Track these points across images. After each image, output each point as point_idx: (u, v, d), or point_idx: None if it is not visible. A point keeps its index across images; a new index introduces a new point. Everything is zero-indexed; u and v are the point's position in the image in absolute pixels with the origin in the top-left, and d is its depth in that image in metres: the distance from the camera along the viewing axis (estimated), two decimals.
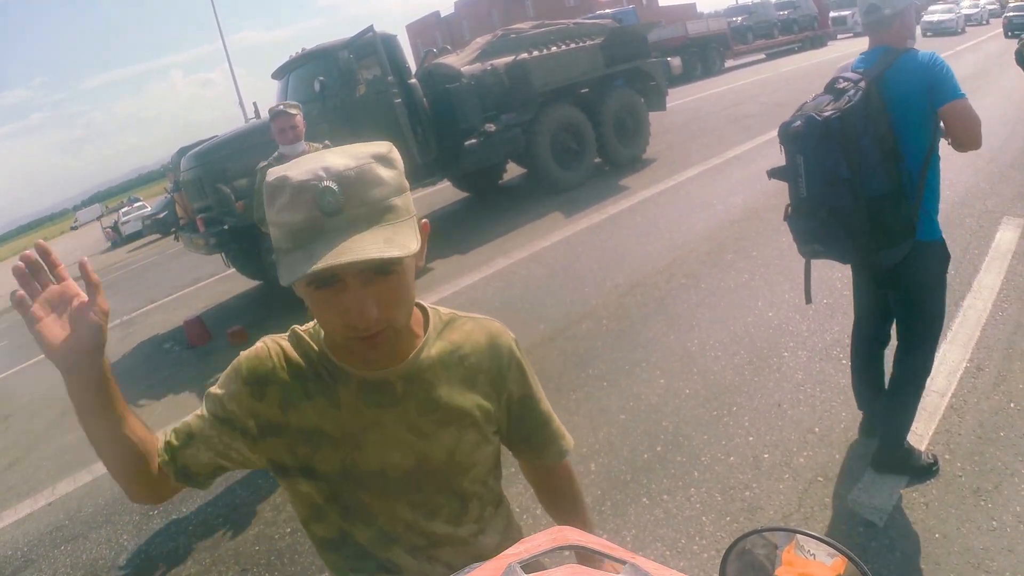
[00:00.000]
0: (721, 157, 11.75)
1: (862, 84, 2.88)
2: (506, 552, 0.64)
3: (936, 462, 3.43)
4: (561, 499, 1.62)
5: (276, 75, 10.75)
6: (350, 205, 1.04)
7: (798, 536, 0.86)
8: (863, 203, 2.87)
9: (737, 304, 5.88)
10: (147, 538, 4.47)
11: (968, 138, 2.89)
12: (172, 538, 4.41)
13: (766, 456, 3.81)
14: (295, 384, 1.28)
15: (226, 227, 8.62)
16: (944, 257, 3.14)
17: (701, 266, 6.97)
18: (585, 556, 0.70)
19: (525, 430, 1.46)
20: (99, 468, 5.66)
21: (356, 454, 1.28)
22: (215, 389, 1.33)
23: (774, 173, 3.22)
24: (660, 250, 7.73)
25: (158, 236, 27.64)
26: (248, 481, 4.77)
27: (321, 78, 9.43)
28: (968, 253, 5.85)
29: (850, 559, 0.80)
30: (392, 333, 1.18)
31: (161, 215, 27.50)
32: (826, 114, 2.86)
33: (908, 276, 3.11)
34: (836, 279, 5.65)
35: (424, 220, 1.19)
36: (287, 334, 1.35)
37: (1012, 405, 3.77)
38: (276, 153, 5.01)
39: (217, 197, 8.64)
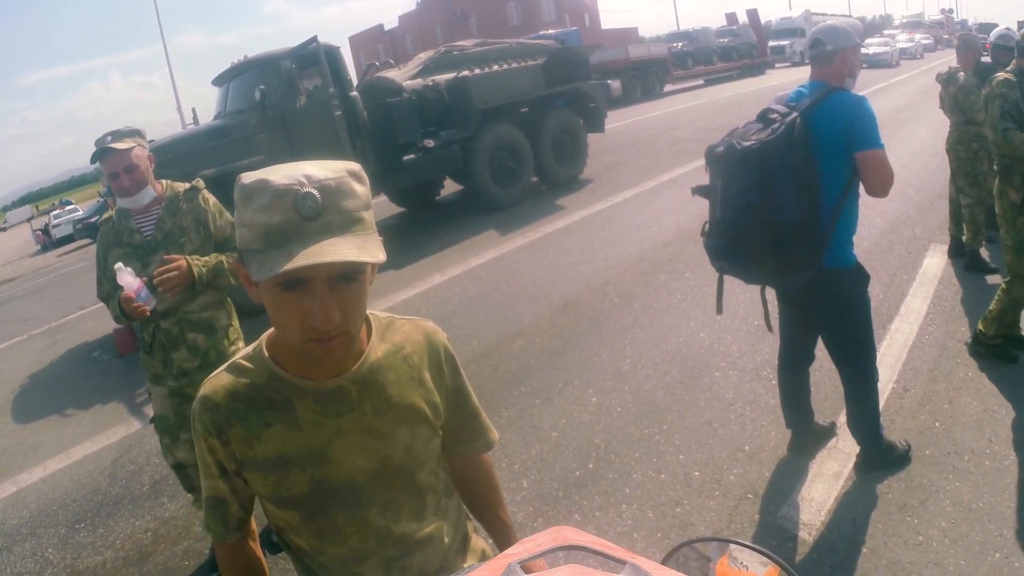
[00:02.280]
0: (657, 180, 11.89)
1: (790, 118, 2.99)
2: (506, 552, 0.64)
3: (910, 446, 3.62)
4: (485, 490, 1.68)
5: (216, 81, 10.50)
6: (327, 212, 1.11)
7: (732, 547, 0.84)
8: (770, 229, 2.98)
9: (669, 324, 5.90)
10: (73, 552, 4.24)
11: (877, 187, 3.02)
12: (99, 552, 4.18)
13: (696, 474, 3.80)
14: (252, 417, 1.31)
15: None
16: (859, 279, 3.25)
17: (634, 286, 7.00)
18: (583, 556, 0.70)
19: (458, 421, 1.53)
20: (23, 479, 5.43)
21: (326, 468, 1.33)
22: (199, 453, 1.38)
23: (698, 190, 3.36)
24: (594, 270, 7.74)
25: (89, 241, 26.80)
26: (176, 494, 4.57)
27: (262, 87, 9.20)
28: (896, 278, 5.99)
29: (783, 568, 0.78)
30: (347, 339, 1.23)
31: (93, 219, 26.67)
32: (746, 144, 2.98)
33: (822, 300, 3.27)
34: (769, 301, 5.73)
35: (379, 237, 1.23)
36: (225, 368, 1.37)
37: (937, 424, 3.83)
38: (115, 208, 3.46)
39: None
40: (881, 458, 3.53)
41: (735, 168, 3.02)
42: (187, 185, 3.49)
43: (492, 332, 6.42)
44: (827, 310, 3.29)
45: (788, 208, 2.95)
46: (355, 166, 1.19)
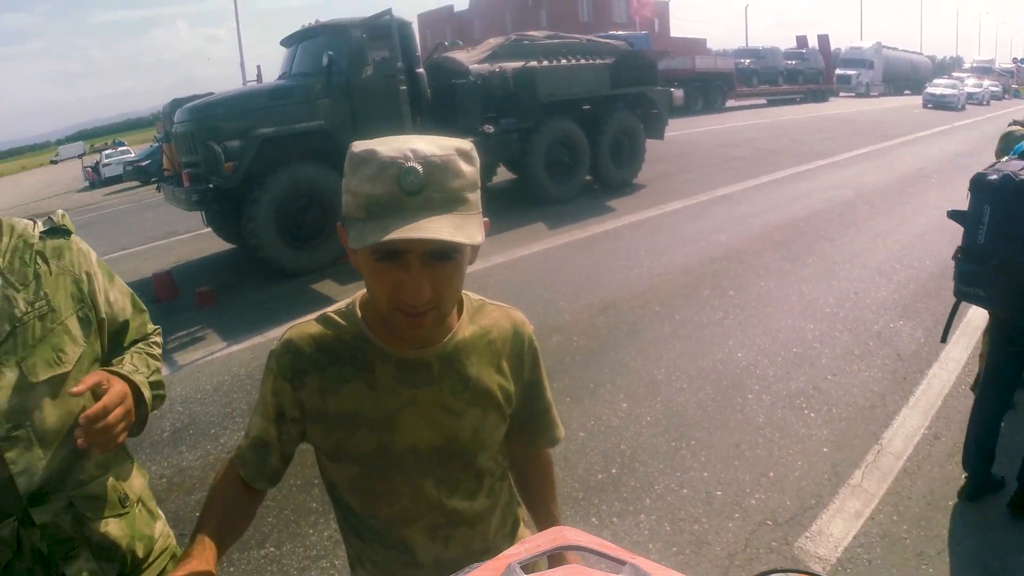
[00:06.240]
0: (709, 194, 11.86)
1: None
2: (506, 552, 0.65)
3: None
4: (540, 482, 1.70)
5: (285, 42, 10.60)
6: (429, 188, 1.11)
7: None
8: None
9: (708, 340, 5.91)
10: None
11: None
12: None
13: (719, 493, 3.83)
14: (332, 370, 1.35)
15: (211, 186, 8.53)
16: None
17: (677, 298, 7.01)
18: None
19: (527, 414, 1.55)
20: None
21: (392, 434, 1.35)
22: (263, 392, 1.41)
23: (954, 215, 3.46)
24: (638, 276, 7.76)
25: (137, 184, 27.10)
26: (196, 444, 4.70)
27: (330, 53, 9.27)
28: (940, 324, 5.90)
29: None
30: (438, 316, 1.24)
31: (144, 163, 27.01)
32: (1023, 177, 3.05)
33: None
34: (807, 329, 5.72)
35: (486, 219, 1.25)
36: (315, 318, 1.40)
37: (963, 476, 3.82)
38: None
39: (206, 154, 8.52)
40: None
41: (1009, 196, 3.09)
42: (33, 223, 1.63)
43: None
44: None
45: None
46: (466, 144, 1.19)
